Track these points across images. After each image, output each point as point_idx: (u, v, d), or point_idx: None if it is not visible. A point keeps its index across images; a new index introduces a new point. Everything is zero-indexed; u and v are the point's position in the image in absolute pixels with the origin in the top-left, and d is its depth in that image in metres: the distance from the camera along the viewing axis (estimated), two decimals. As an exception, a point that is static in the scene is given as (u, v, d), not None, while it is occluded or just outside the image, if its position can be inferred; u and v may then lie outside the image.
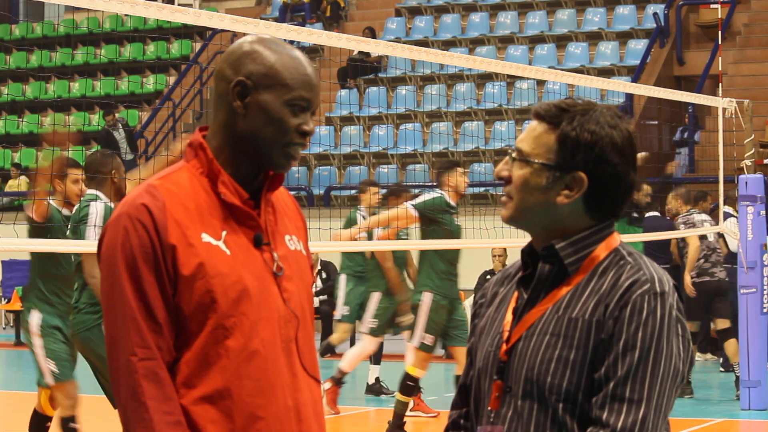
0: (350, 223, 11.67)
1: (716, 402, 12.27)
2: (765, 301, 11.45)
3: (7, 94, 25.59)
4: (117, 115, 21.62)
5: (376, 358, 12.32)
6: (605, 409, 2.53)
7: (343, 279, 12.15)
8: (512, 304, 2.71)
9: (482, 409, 2.71)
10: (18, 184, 23.10)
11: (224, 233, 2.73)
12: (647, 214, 14.77)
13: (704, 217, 12.77)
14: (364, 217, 11.53)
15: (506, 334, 2.68)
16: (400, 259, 11.52)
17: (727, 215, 12.50)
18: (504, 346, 2.67)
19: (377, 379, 12.44)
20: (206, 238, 2.70)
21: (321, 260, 16.62)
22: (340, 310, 12.08)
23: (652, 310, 2.56)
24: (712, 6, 19.32)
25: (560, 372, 2.58)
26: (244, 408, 2.69)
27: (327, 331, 16.66)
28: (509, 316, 2.70)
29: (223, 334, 2.69)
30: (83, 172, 7.67)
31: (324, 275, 16.86)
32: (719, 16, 15.90)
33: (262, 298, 2.73)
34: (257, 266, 2.75)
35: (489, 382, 2.68)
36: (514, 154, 2.68)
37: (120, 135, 21.17)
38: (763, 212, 11.48)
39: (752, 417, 11.23)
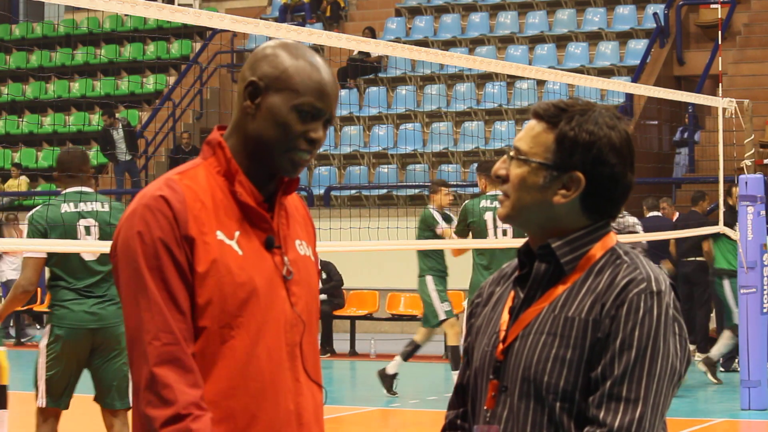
0: (426, 221, 11.90)
1: (716, 402, 12.27)
2: (765, 301, 11.45)
3: (7, 94, 25.59)
4: (117, 115, 21.61)
5: (407, 355, 12.33)
6: (602, 408, 2.53)
7: (430, 281, 12.15)
8: (509, 304, 2.71)
9: (479, 409, 2.71)
10: (18, 184, 23.09)
11: (237, 233, 2.72)
12: (648, 215, 14.81)
13: (635, 219, 12.85)
14: (438, 217, 11.87)
15: (503, 334, 2.68)
16: None
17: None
18: (500, 346, 2.67)
19: (395, 375, 12.39)
20: (220, 236, 2.70)
21: (321, 260, 16.61)
22: (441, 308, 12.13)
23: (648, 309, 2.56)
24: (712, 6, 19.32)
25: (557, 371, 2.58)
26: (246, 409, 2.68)
27: (326, 332, 16.66)
28: (506, 316, 2.70)
29: (229, 333, 2.68)
30: (61, 169, 7.54)
31: (324, 275, 16.84)
32: (719, 16, 15.89)
33: (270, 301, 2.72)
34: (267, 268, 2.74)
35: (485, 382, 2.68)
36: (512, 153, 2.68)
37: (118, 135, 21.15)
38: (763, 212, 11.47)
39: (752, 417, 11.22)
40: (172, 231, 2.65)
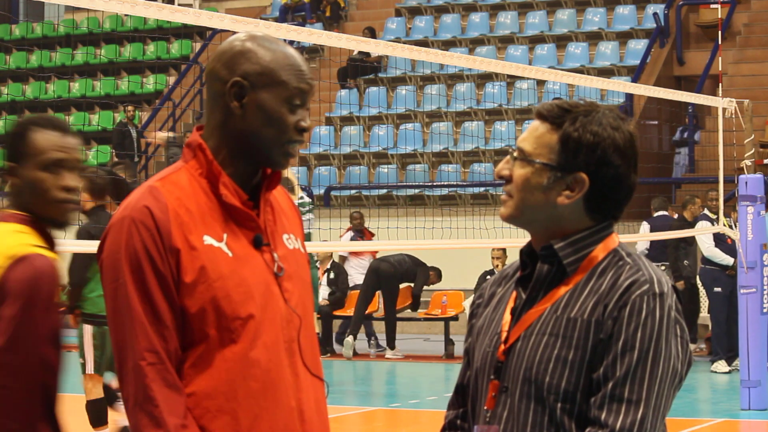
0: None
1: (716, 402, 12.27)
2: (765, 301, 11.44)
3: (7, 94, 25.58)
4: (117, 116, 21.61)
5: None
6: (604, 409, 2.53)
7: None
8: (510, 304, 2.71)
9: (479, 409, 2.71)
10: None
11: (225, 235, 2.72)
12: (655, 214, 14.86)
13: None
14: None
15: (504, 334, 2.67)
16: None
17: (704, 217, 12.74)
18: (502, 346, 2.67)
19: None
20: (208, 240, 2.70)
21: (333, 262, 16.49)
22: None
23: (651, 311, 2.56)
24: (712, 6, 19.32)
25: (559, 372, 2.58)
26: (249, 410, 2.68)
27: (326, 332, 16.62)
28: (507, 316, 2.69)
29: (228, 337, 2.68)
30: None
31: (332, 275, 16.69)
32: (719, 16, 15.90)
33: (264, 300, 2.73)
34: (259, 267, 2.74)
35: (486, 382, 2.68)
36: (515, 154, 2.68)
37: (133, 134, 21.12)
38: (763, 212, 11.47)
39: (752, 417, 11.22)
40: (154, 243, 2.65)
